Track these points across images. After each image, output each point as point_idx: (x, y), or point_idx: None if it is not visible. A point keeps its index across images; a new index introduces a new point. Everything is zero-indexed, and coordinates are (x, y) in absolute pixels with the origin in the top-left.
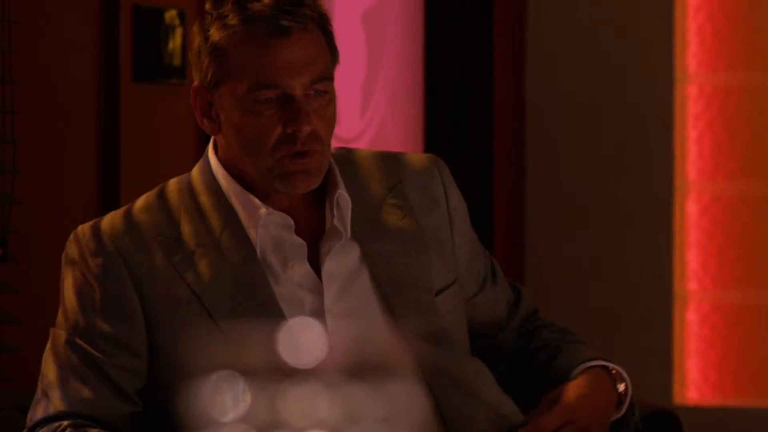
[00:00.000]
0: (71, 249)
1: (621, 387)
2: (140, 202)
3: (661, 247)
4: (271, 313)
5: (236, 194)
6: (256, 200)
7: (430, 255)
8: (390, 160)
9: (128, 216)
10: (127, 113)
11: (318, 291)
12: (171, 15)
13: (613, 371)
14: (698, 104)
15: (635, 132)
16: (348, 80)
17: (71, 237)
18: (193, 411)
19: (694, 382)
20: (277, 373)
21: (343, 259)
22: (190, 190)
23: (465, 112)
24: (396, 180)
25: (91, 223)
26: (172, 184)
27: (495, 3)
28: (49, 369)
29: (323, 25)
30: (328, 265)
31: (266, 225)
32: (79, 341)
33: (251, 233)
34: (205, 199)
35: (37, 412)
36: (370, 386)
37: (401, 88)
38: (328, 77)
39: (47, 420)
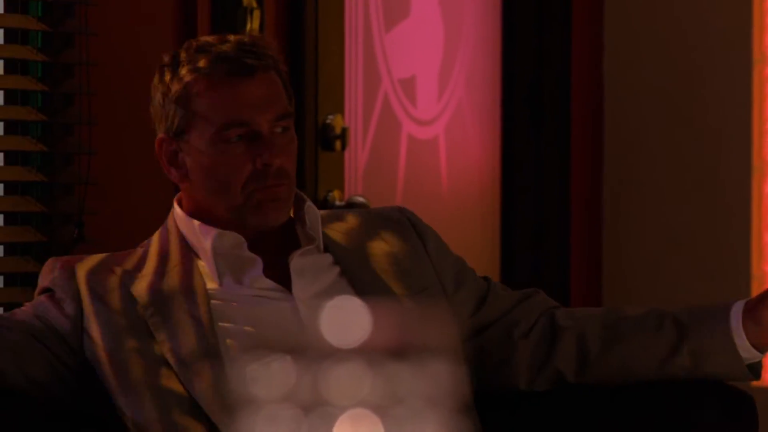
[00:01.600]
0: (44, 274)
1: None
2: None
3: (738, 228)
4: (198, 321)
5: (194, 232)
6: (212, 228)
7: (403, 266)
8: (356, 211)
9: (108, 256)
10: None
11: (286, 290)
12: None
13: None
14: None
15: (713, 113)
16: (425, 63)
17: (46, 265)
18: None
19: None
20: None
21: (313, 258)
22: (164, 232)
23: (542, 94)
24: (364, 220)
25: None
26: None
27: None
28: None
29: (277, 68)
30: (296, 262)
31: (222, 253)
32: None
33: (208, 264)
34: (172, 240)
35: None
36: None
37: (478, 70)
38: (289, 115)
39: None
